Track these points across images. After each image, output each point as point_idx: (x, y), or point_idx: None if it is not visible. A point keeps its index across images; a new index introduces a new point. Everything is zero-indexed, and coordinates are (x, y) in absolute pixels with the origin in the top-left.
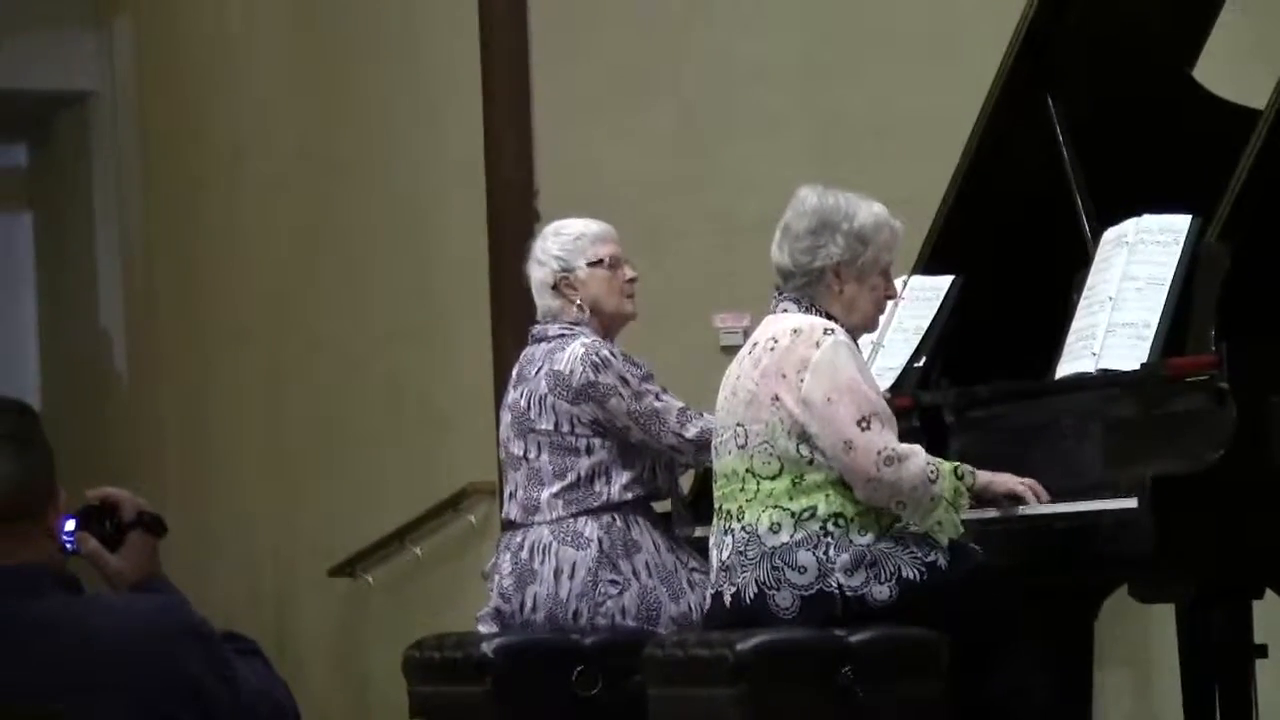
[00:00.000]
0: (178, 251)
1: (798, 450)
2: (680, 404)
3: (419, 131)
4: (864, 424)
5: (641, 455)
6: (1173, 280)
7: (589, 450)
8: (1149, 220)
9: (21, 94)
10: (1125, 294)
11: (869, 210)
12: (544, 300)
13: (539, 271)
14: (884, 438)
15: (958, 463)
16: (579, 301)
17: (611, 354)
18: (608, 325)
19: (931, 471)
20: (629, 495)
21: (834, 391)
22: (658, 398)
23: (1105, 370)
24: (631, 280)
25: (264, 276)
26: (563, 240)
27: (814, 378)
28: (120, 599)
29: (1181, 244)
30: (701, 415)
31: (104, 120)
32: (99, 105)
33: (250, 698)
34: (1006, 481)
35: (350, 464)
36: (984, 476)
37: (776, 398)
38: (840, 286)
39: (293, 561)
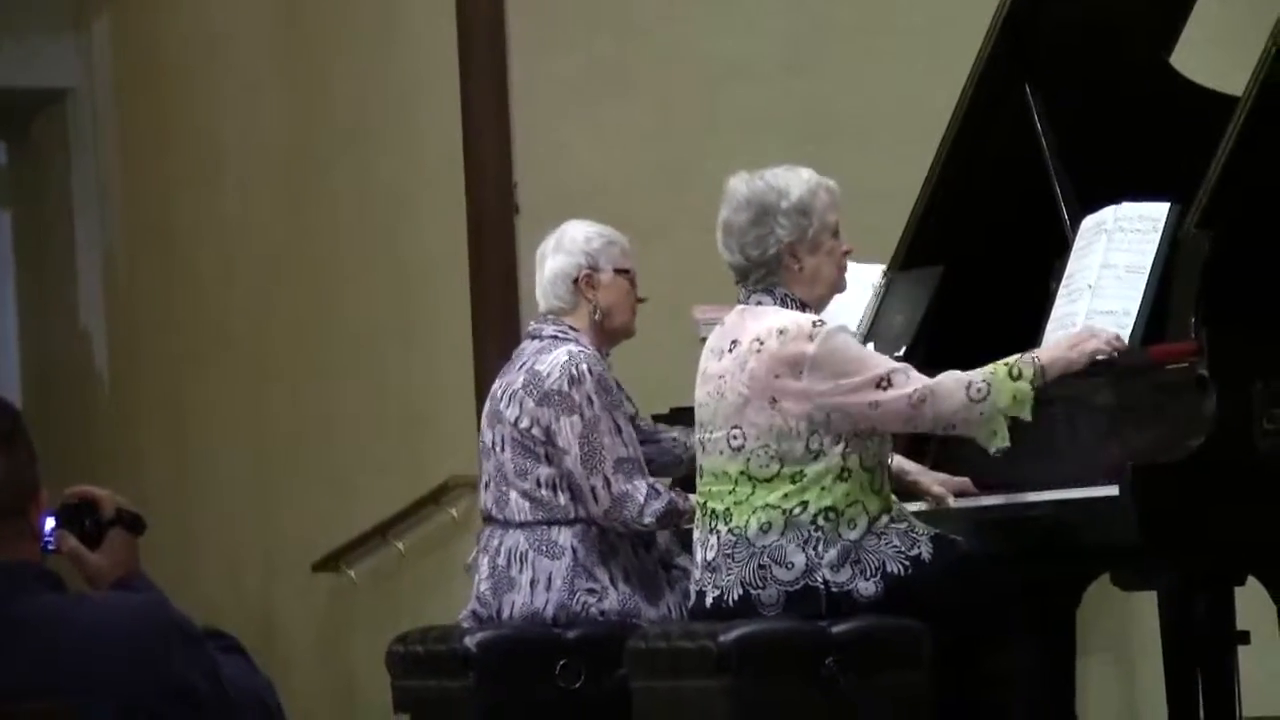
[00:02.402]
0: (158, 250)
1: (807, 446)
2: (626, 453)
3: (398, 128)
4: (883, 384)
5: None
6: (1152, 268)
7: (548, 459)
8: (1128, 208)
9: (0, 92)
10: (1105, 282)
11: (799, 181)
12: (557, 291)
13: (560, 261)
14: (909, 385)
15: (1016, 364)
16: (595, 303)
17: (590, 370)
18: (609, 336)
19: (978, 391)
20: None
21: (844, 372)
22: (611, 434)
23: None
24: (641, 300)
25: (245, 274)
26: (594, 240)
27: (815, 372)
28: (104, 597)
29: (1161, 231)
30: (633, 478)
31: (83, 118)
32: (78, 103)
33: (235, 695)
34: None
35: (332, 460)
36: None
37: (774, 400)
38: (799, 264)
39: (276, 558)
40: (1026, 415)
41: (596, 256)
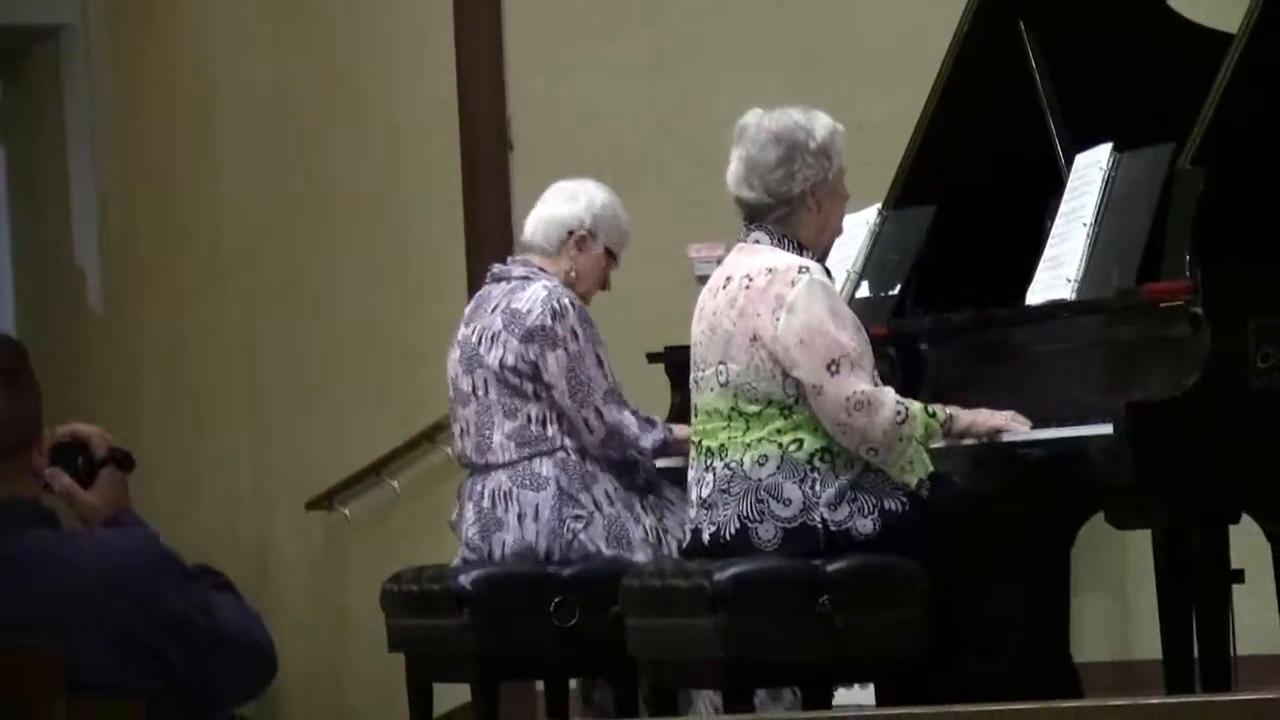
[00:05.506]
0: (153, 187)
1: (783, 389)
2: (610, 384)
3: (392, 63)
4: (833, 368)
5: None
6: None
7: (535, 396)
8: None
9: None
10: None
11: (821, 122)
12: (549, 232)
13: (568, 208)
14: (853, 382)
15: (932, 405)
16: (571, 260)
17: (571, 304)
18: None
19: (899, 414)
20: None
21: (805, 333)
22: (596, 366)
23: (1080, 296)
24: (603, 288)
25: (240, 213)
26: (608, 212)
27: (789, 318)
28: (97, 533)
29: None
30: (623, 409)
31: (77, 55)
32: (72, 40)
33: (228, 630)
34: (988, 421)
35: (326, 397)
36: (963, 419)
37: (755, 337)
38: (817, 205)
39: (270, 495)
40: (926, 459)
41: (599, 225)
